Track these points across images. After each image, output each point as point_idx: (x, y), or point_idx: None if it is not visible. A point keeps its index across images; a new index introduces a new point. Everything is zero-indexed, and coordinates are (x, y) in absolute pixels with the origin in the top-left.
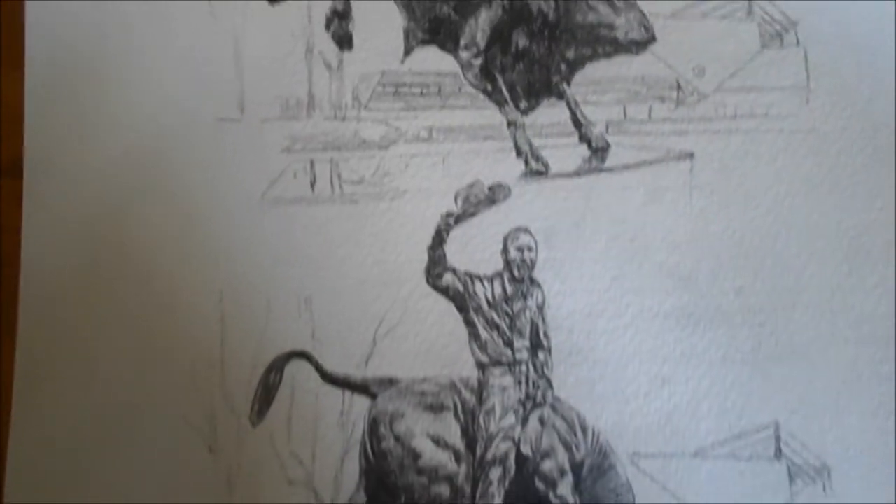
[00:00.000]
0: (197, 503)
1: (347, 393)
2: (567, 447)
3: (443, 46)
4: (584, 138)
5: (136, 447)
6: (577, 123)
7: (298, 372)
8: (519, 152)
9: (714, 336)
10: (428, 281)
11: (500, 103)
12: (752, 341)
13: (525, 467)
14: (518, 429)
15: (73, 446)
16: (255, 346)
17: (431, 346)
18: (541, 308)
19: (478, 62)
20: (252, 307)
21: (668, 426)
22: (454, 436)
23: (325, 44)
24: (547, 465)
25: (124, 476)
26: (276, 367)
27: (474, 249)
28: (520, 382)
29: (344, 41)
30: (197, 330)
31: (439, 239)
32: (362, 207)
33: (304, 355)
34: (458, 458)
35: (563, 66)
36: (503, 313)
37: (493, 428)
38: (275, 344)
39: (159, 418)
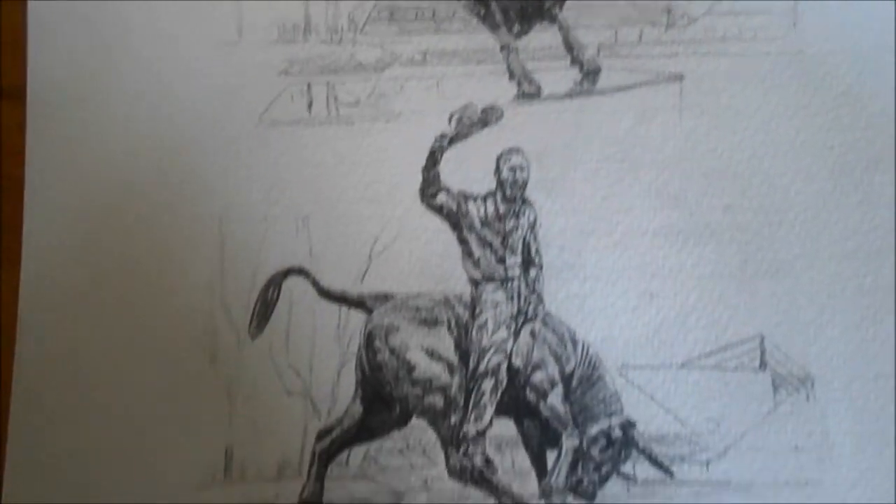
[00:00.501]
0: (198, 413)
1: (344, 308)
2: (557, 359)
3: None
4: (576, 61)
5: (140, 360)
6: (568, 47)
7: (296, 288)
8: (512, 75)
9: (702, 252)
10: (422, 200)
11: (494, 27)
12: (739, 257)
13: (516, 379)
14: (510, 342)
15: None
16: (254, 263)
17: (426, 263)
18: (532, 226)
19: None
20: (251, 226)
21: (656, 339)
22: (448, 349)
23: None
24: (538, 377)
25: (129, 387)
26: (275, 283)
27: (468, 170)
28: (512, 298)
29: None
30: (197, 249)
31: (433, 160)
32: (358, 129)
33: (301, 272)
34: (451, 370)
35: None
36: (496, 231)
37: (485, 341)
38: (273, 261)
39: (162, 332)
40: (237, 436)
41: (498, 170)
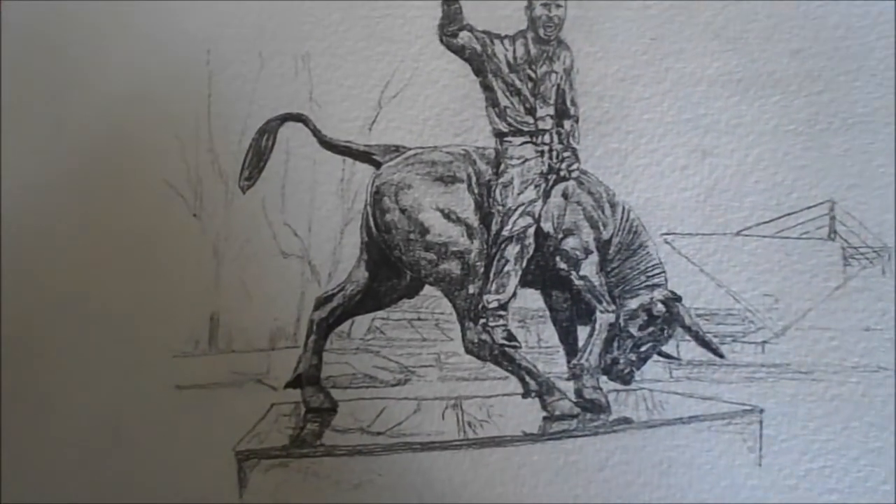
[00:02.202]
0: (180, 272)
1: (348, 160)
2: (593, 224)
3: None
4: None
5: (114, 208)
6: None
7: (294, 136)
8: None
9: (765, 104)
10: (441, 39)
11: None
12: (808, 110)
13: (545, 245)
14: (539, 204)
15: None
16: (246, 106)
17: (443, 111)
18: (568, 72)
19: None
20: (242, 64)
21: (708, 202)
22: (467, 210)
23: None
24: (570, 243)
25: (101, 237)
26: (269, 129)
27: (495, 5)
28: (542, 153)
29: None
30: (181, 87)
31: None
32: None
33: (300, 118)
34: (470, 233)
35: None
36: (526, 77)
37: (510, 202)
38: (268, 105)
39: (139, 177)
40: (224, 300)
41: (530, 6)
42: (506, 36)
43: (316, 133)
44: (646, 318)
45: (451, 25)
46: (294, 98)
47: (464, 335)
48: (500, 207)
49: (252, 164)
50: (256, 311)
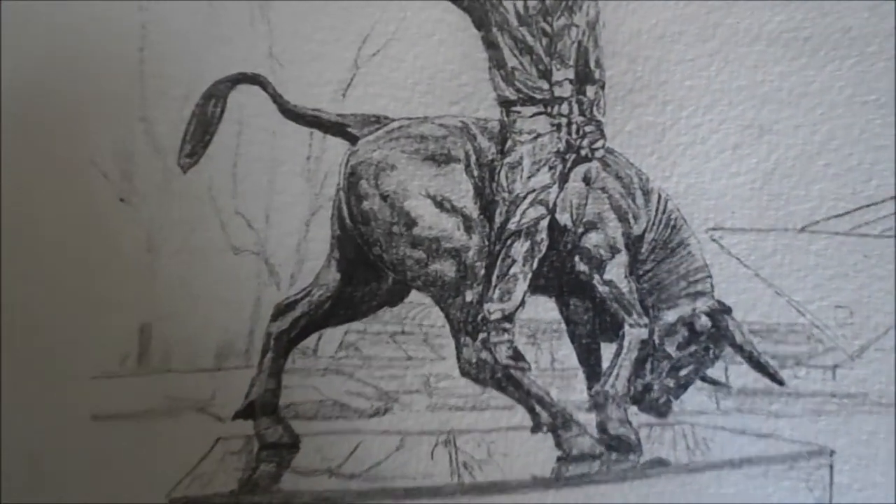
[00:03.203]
0: (103, 271)
1: (316, 134)
2: (621, 216)
3: None
4: None
5: (24, 192)
6: None
7: (249, 102)
8: None
9: (838, 69)
10: None
11: None
12: (890, 77)
13: (562, 242)
14: (554, 190)
15: None
16: (190, 64)
17: (436, 73)
18: (592, 26)
19: None
20: (185, 11)
21: (765, 190)
22: (464, 196)
23: None
24: (592, 240)
25: (3, 226)
26: (218, 94)
27: None
28: (559, 127)
29: None
30: (105, 39)
31: None
32: None
33: (256, 80)
34: (468, 226)
35: None
36: (539, 32)
37: (519, 188)
38: (216, 62)
39: (53, 156)
40: (159, 307)
41: None
42: None
43: (276, 99)
44: (687, 334)
45: None
46: (249, 55)
47: (459, 353)
48: (506, 194)
49: (196, 136)
50: (200, 320)
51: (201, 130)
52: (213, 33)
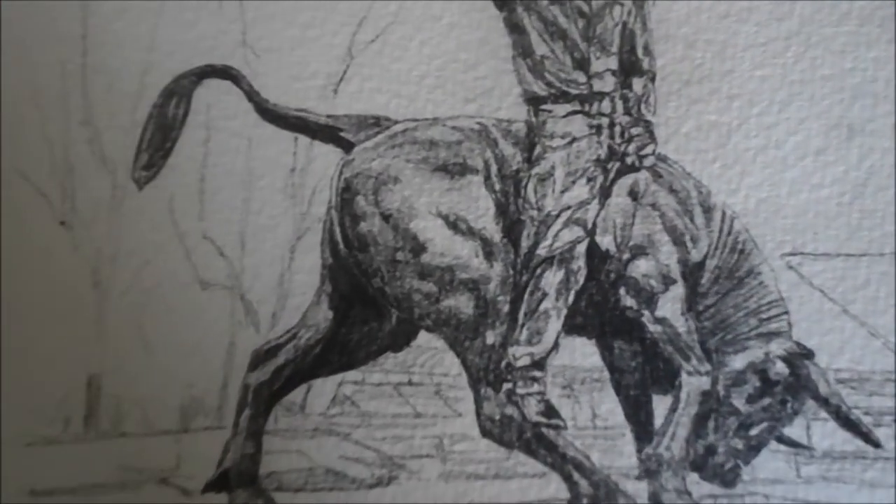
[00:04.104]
0: (41, 314)
1: (302, 139)
2: (677, 239)
3: None
4: None
5: None
6: None
7: (218, 102)
8: None
9: None
10: None
11: None
12: None
13: (603, 270)
14: (594, 207)
15: None
16: (143, 54)
17: (447, 64)
18: (640, 3)
19: None
20: None
21: (854, 207)
22: (484, 216)
23: None
24: (641, 268)
25: None
26: (180, 91)
27: None
28: (599, 129)
29: None
30: (39, 23)
31: None
32: None
33: (227, 73)
34: (489, 252)
35: None
36: (574, 11)
37: (550, 204)
38: (176, 53)
39: None
40: (109, 356)
41: None
42: None
43: (252, 96)
44: (758, 383)
45: None
46: (218, 42)
47: (479, 408)
48: (535, 212)
49: (153, 144)
50: (160, 372)
51: (160, 136)
52: (171, 15)
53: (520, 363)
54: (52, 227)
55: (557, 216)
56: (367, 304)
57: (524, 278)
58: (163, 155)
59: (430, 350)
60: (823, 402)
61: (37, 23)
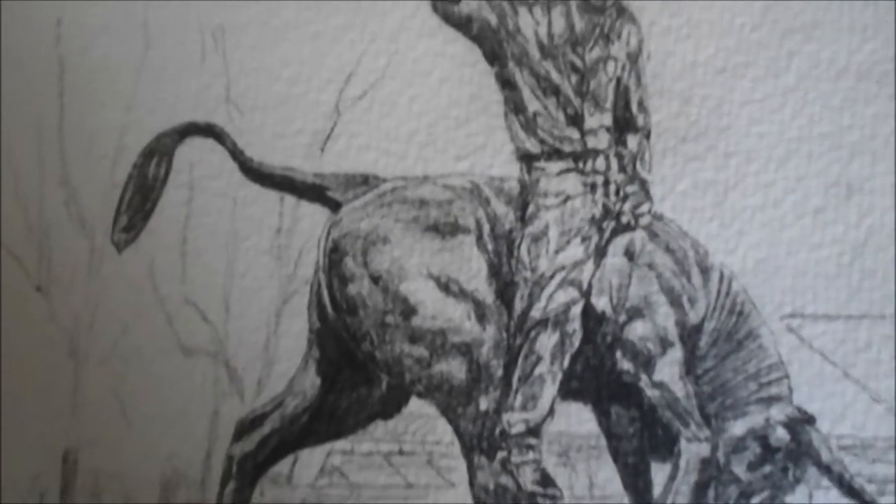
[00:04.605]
0: (16, 384)
1: (289, 199)
2: (674, 300)
3: None
4: None
5: None
6: None
7: (201, 160)
8: None
9: None
10: (435, 6)
11: None
12: None
13: (599, 333)
14: (589, 267)
15: None
16: (122, 112)
17: (438, 120)
18: (634, 59)
19: None
20: (115, 41)
21: (854, 267)
22: (476, 277)
23: None
24: (638, 330)
25: None
26: (161, 150)
27: None
28: (593, 187)
29: None
30: (15, 79)
31: None
32: None
33: (210, 131)
34: (481, 314)
35: None
36: (568, 67)
37: (544, 265)
38: (158, 110)
39: None
40: (86, 428)
41: None
42: (537, 1)
43: (236, 155)
44: (759, 450)
45: None
46: (201, 99)
47: (472, 478)
48: (529, 273)
49: (133, 206)
50: (139, 444)
51: (140, 197)
52: (153, 71)
53: (514, 430)
54: (27, 292)
55: (552, 277)
56: (356, 370)
57: (518, 341)
58: (143, 216)
59: (422, 417)
60: (826, 469)
61: (12, 81)
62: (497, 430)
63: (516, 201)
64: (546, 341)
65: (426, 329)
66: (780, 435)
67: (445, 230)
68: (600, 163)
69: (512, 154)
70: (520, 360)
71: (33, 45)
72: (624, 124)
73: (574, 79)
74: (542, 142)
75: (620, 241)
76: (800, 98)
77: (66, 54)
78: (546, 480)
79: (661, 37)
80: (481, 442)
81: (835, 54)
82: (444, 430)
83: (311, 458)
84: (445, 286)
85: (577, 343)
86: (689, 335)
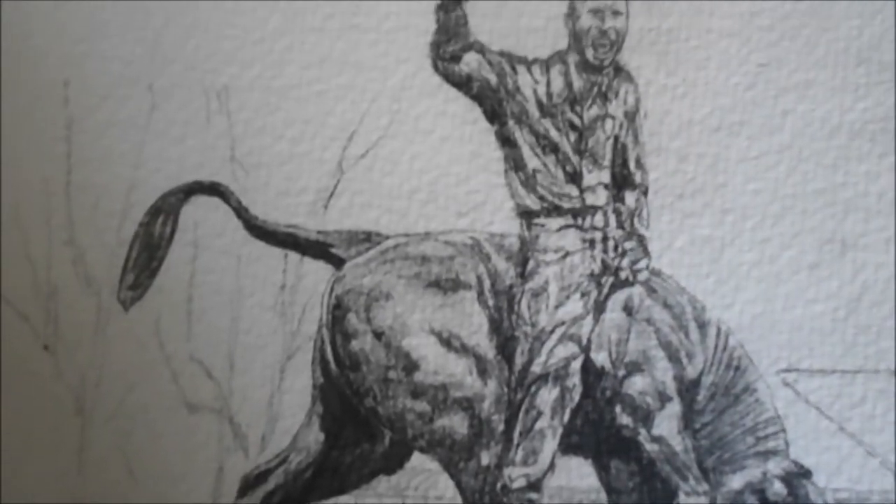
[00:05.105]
0: (24, 441)
1: (292, 256)
2: (672, 355)
3: None
4: None
5: None
6: None
7: (206, 219)
8: None
9: None
10: (436, 66)
11: None
12: None
13: (599, 387)
14: (588, 322)
15: None
16: (129, 171)
17: (439, 178)
18: (632, 117)
19: None
20: (122, 102)
21: (849, 322)
22: (477, 332)
23: None
24: (637, 385)
25: None
26: (167, 208)
27: (518, 12)
28: (592, 243)
29: None
30: (23, 140)
31: None
32: None
33: (215, 189)
34: (482, 369)
35: None
36: (566, 125)
37: (544, 320)
38: (163, 169)
39: None
40: (93, 486)
41: (573, 14)
42: (535, 60)
43: (241, 213)
44: (756, 503)
45: (450, 44)
46: (206, 158)
47: None
48: (529, 328)
49: (139, 264)
50: (145, 500)
51: (146, 256)
52: (159, 131)
53: (516, 485)
54: (34, 351)
55: (552, 332)
56: (359, 425)
57: (519, 396)
58: (149, 274)
59: (424, 472)
60: None
61: (20, 140)
62: (498, 485)
63: (516, 257)
64: (546, 396)
65: (428, 384)
66: (778, 489)
67: (447, 286)
68: (599, 219)
69: (512, 210)
70: (521, 415)
71: (41, 105)
72: (622, 181)
73: (573, 136)
74: (541, 198)
75: (619, 297)
76: (794, 156)
77: (73, 115)
78: None
79: (658, 96)
80: (483, 497)
81: (828, 113)
82: (446, 484)
83: None
84: (447, 341)
85: (577, 398)
86: (688, 389)
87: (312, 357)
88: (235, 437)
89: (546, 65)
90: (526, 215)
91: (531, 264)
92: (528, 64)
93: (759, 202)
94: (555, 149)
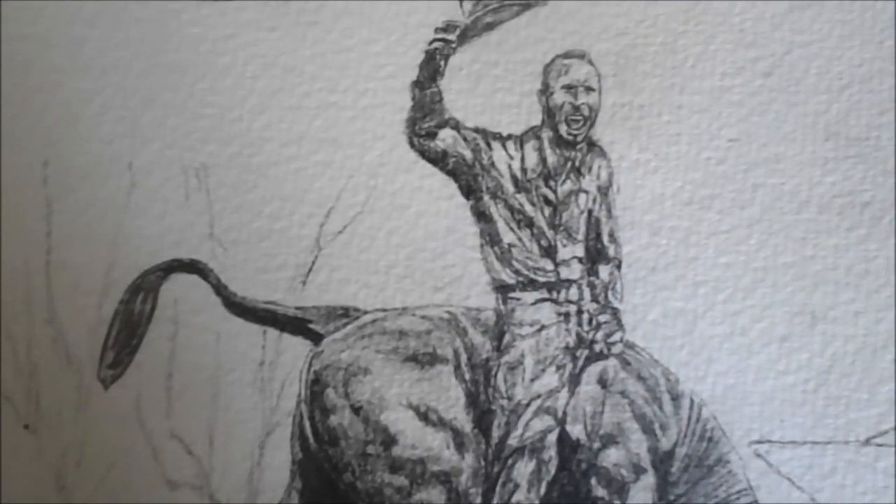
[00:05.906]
0: None
1: (271, 332)
2: (646, 427)
3: None
4: None
5: None
6: None
7: (185, 296)
8: None
9: None
10: (412, 142)
11: None
12: None
13: (574, 460)
14: (563, 395)
15: None
16: (108, 250)
17: (416, 253)
18: (605, 191)
19: None
20: (102, 180)
21: (819, 394)
22: (454, 406)
23: None
24: (612, 457)
25: None
26: (147, 287)
27: (493, 89)
28: (567, 317)
29: None
30: (9, 224)
31: (433, 69)
32: (295, 7)
33: (194, 267)
34: (460, 443)
35: None
36: (541, 200)
37: (520, 393)
38: (143, 248)
39: None
40: None
41: (547, 90)
42: (510, 136)
43: (220, 290)
44: None
45: (426, 120)
46: (185, 235)
47: None
48: (505, 402)
49: (120, 342)
50: None
51: (126, 333)
52: (138, 209)
53: None
54: (15, 430)
55: (528, 405)
56: (338, 500)
57: (496, 469)
58: (129, 352)
59: None
60: None
61: (1, 220)
62: None
63: (492, 331)
64: (523, 469)
65: (406, 458)
66: None
67: (424, 360)
68: (573, 293)
69: (488, 285)
70: (498, 488)
71: (21, 185)
72: (596, 255)
73: (547, 211)
74: (516, 272)
75: (594, 370)
76: (764, 229)
77: (53, 194)
78: None
79: (631, 170)
80: None
81: (797, 187)
82: None
83: None
84: (425, 415)
85: (553, 470)
86: (662, 461)
87: (291, 432)
88: None
89: (520, 140)
90: (502, 289)
91: (507, 338)
92: (503, 140)
93: (730, 275)
94: (530, 223)
